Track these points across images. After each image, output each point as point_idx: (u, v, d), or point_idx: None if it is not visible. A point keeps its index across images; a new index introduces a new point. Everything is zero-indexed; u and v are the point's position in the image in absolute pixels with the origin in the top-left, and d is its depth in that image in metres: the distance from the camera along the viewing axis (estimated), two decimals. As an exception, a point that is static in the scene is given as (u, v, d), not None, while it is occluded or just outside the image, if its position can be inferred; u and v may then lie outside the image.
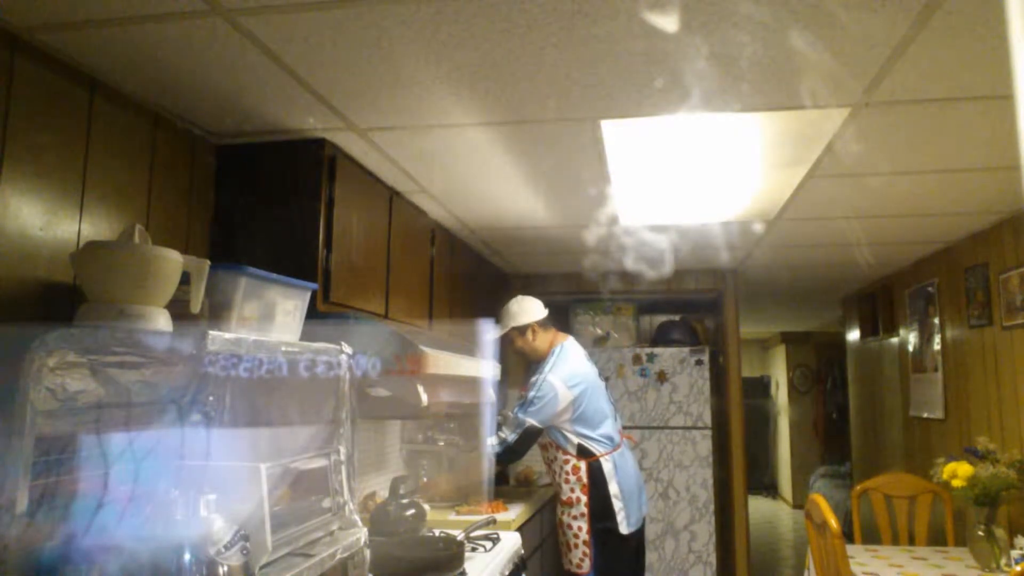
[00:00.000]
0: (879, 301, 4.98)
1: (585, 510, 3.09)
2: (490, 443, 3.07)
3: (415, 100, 1.91)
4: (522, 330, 3.24)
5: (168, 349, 1.30)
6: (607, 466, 3.11)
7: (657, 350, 4.68)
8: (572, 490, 3.12)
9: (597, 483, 3.09)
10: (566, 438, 3.15)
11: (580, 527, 3.09)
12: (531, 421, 3.03)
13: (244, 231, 2.14)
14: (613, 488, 3.09)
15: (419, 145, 2.26)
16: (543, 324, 3.26)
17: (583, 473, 3.10)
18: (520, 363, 4.78)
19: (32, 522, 1.19)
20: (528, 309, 3.24)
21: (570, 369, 3.14)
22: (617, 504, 3.08)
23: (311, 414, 1.74)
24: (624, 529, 3.08)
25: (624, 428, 3.49)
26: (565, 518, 3.15)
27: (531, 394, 3.08)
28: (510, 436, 3.04)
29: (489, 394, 3.26)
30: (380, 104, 1.94)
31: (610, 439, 3.17)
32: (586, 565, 3.08)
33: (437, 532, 2.56)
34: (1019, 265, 3.11)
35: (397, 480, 2.60)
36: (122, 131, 1.79)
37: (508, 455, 3.07)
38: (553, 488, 3.29)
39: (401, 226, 2.73)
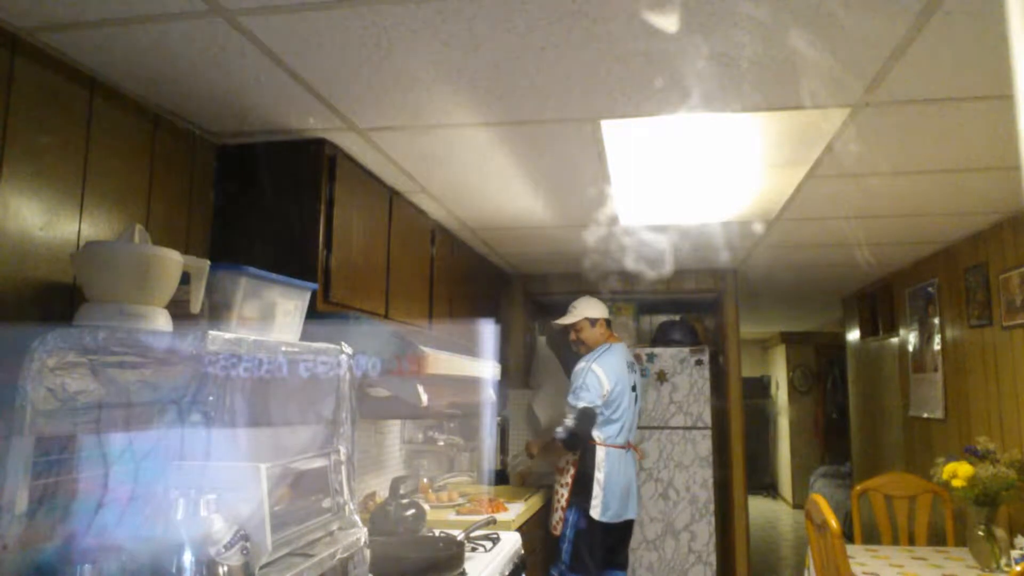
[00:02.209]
0: (879, 301, 4.98)
1: (570, 481, 3.47)
2: (558, 431, 3.47)
3: (415, 100, 1.91)
4: (592, 321, 3.71)
5: (168, 349, 1.30)
6: (599, 453, 3.45)
7: (657, 350, 4.67)
8: (566, 462, 3.53)
9: (586, 463, 3.45)
10: None
11: (563, 495, 3.49)
12: (583, 404, 3.45)
13: (244, 231, 2.14)
14: (599, 474, 3.43)
15: (419, 145, 2.26)
16: (605, 323, 3.74)
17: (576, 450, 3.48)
18: (522, 361, 4.79)
19: (32, 522, 1.19)
20: (595, 306, 3.75)
21: (611, 364, 3.55)
22: (596, 488, 3.42)
23: (311, 414, 1.74)
24: (596, 515, 3.40)
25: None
26: (556, 485, 3.57)
27: (579, 383, 3.50)
28: (569, 421, 3.44)
29: (489, 394, 3.27)
30: (380, 104, 1.94)
31: (615, 436, 3.50)
32: (559, 529, 3.47)
33: (437, 532, 2.56)
34: (1019, 265, 3.11)
35: (397, 480, 2.60)
36: (122, 131, 1.79)
37: (573, 438, 3.44)
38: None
39: (401, 226, 2.73)
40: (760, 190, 2.76)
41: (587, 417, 3.44)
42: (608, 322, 3.77)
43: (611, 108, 1.95)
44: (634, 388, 3.69)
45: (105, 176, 1.70)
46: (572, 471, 3.46)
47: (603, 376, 3.47)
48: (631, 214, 3.11)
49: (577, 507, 3.42)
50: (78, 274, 1.48)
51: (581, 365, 3.53)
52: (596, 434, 3.47)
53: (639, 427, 4.57)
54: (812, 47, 1.59)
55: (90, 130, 1.67)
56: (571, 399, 3.48)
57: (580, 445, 3.46)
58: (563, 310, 3.84)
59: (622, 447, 3.53)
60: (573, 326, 3.72)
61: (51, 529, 1.27)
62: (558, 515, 3.48)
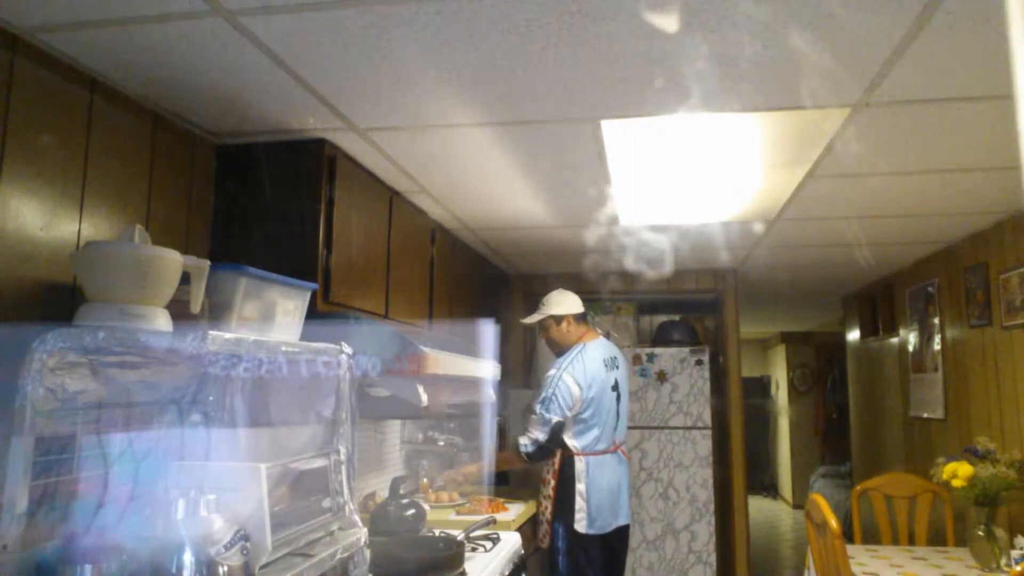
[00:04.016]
0: (879, 301, 4.98)
1: (552, 493, 3.23)
2: (522, 443, 3.19)
3: (415, 100, 1.91)
4: (558, 319, 3.37)
5: (168, 349, 1.30)
6: (579, 465, 3.20)
7: (657, 350, 4.67)
8: (547, 472, 3.28)
9: (566, 476, 3.22)
10: None
11: (547, 507, 3.26)
12: (555, 417, 3.16)
13: (244, 231, 2.14)
14: (580, 486, 3.19)
15: (419, 145, 2.26)
16: (576, 319, 3.38)
17: (556, 460, 3.24)
18: (522, 361, 4.80)
19: (32, 522, 1.19)
20: (563, 302, 3.38)
21: (585, 369, 3.23)
22: (579, 502, 3.18)
23: (311, 414, 1.74)
24: (581, 528, 3.16)
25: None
26: (540, 497, 3.32)
27: (548, 392, 3.20)
28: (541, 435, 3.16)
29: (489, 394, 3.26)
30: (380, 104, 1.94)
31: (594, 443, 3.24)
32: (547, 542, 3.24)
33: (437, 532, 2.56)
34: (1019, 265, 3.11)
35: (397, 480, 2.60)
36: (122, 131, 1.79)
37: (541, 452, 3.18)
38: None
39: (401, 226, 2.73)
40: (760, 190, 2.76)
41: (558, 431, 3.19)
42: (583, 316, 3.41)
43: (611, 108, 1.95)
44: (615, 387, 3.35)
45: (105, 176, 1.70)
46: (553, 483, 3.23)
47: (574, 385, 3.17)
48: (631, 214, 3.11)
49: (563, 520, 3.20)
50: (78, 274, 1.48)
51: (551, 372, 3.24)
52: (573, 444, 3.22)
53: (638, 427, 4.59)
54: (812, 47, 1.59)
55: (90, 130, 1.67)
56: (540, 409, 3.19)
57: (547, 459, 3.24)
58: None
59: (605, 452, 3.28)
60: (540, 324, 3.39)
61: (51, 529, 1.27)
62: (544, 527, 3.26)
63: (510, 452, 3.28)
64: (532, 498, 3.61)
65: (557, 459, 3.24)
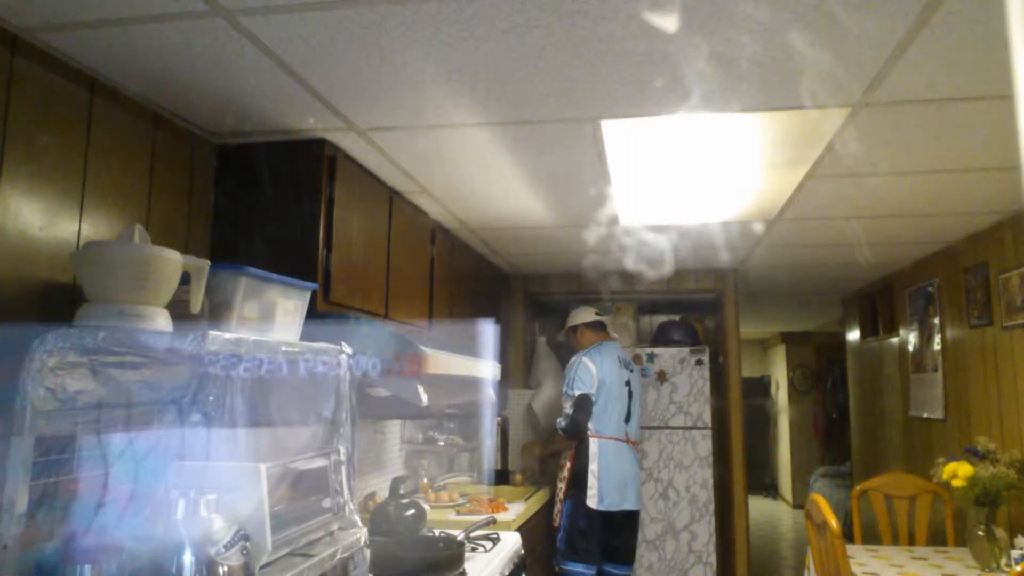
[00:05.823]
0: (879, 301, 4.98)
1: (567, 475, 3.70)
2: (559, 422, 3.74)
3: (415, 100, 1.91)
4: (573, 328, 4.03)
5: (168, 349, 1.30)
6: (593, 447, 3.67)
7: (657, 350, 4.67)
8: (564, 457, 3.77)
9: (581, 456, 3.68)
10: None
11: (562, 488, 3.72)
12: (577, 392, 3.69)
13: (244, 231, 2.14)
14: (593, 466, 3.64)
15: (419, 145, 2.26)
16: (592, 327, 3.98)
17: (574, 444, 3.73)
18: (522, 361, 4.79)
19: (32, 522, 1.19)
20: (576, 315, 4.04)
21: (600, 355, 3.79)
22: (591, 480, 3.62)
23: (311, 414, 1.74)
24: (592, 504, 3.57)
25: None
26: (557, 480, 3.80)
27: (571, 375, 3.75)
28: (568, 410, 3.69)
29: (489, 394, 3.27)
30: (380, 104, 1.94)
31: (608, 429, 3.70)
32: (558, 520, 3.69)
33: (437, 532, 2.56)
34: (1019, 265, 3.11)
35: (397, 480, 2.60)
36: (122, 131, 1.79)
37: (573, 425, 3.66)
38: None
39: (401, 226, 2.73)
40: (760, 190, 2.76)
41: (584, 404, 3.65)
42: (597, 325, 3.98)
43: (611, 108, 1.95)
44: (628, 384, 3.84)
45: (105, 176, 1.70)
46: (570, 464, 3.67)
47: (590, 364, 3.72)
48: (631, 214, 3.11)
49: (574, 497, 3.60)
50: (78, 274, 1.48)
51: (572, 359, 3.82)
52: (590, 426, 3.66)
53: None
54: (812, 47, 1.59)
55: (90, 130, 1.67)
56: (566, 389, 3.73)
57: (581, 433, 3.65)
58: (562, 310, 3.97)
59: (617, 439, 3.71)
60: (566, 334, 4.10)
61: (51, 529, 1.27)
62: (557, 507, 3.68)
63: (550, 435, 3.92)
64: (534, 496, 3.63)
65: (575, 443, 3.69)
